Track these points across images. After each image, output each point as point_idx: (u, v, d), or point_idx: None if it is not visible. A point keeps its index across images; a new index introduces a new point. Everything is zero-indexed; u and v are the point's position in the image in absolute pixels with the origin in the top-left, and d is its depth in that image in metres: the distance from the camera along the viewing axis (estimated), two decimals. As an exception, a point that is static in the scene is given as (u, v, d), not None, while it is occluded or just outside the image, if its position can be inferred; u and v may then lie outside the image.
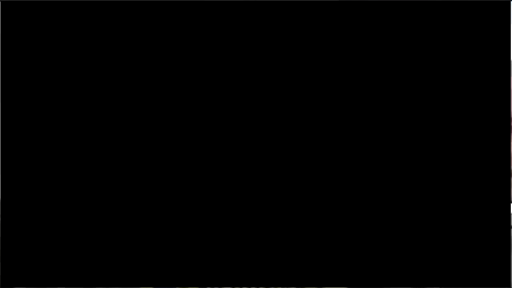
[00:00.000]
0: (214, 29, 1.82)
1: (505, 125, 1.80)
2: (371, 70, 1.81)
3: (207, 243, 1.83)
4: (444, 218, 1.81)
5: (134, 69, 1.81)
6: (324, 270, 1.82)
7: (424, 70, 1.80)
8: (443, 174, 1.80)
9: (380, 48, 1.81)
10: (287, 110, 1.81)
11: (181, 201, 1.82)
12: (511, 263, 1.81)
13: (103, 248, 1.82)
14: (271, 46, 1.82)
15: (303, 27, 1.81)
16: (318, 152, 1.81)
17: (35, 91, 1.80)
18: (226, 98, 1.82)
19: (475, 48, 1.80)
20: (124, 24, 1.81)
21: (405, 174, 1.81)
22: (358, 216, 1.82)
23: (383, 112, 1.81)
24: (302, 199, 1.82)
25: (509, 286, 1.81)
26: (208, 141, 1.81)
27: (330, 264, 1.82)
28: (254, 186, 1.82)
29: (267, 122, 1.81)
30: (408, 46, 1.80)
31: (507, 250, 1.80)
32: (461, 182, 1.80)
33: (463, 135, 1.80)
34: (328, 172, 1.81)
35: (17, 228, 1.81)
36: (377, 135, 1.81)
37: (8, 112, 1.81)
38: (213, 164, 1.82)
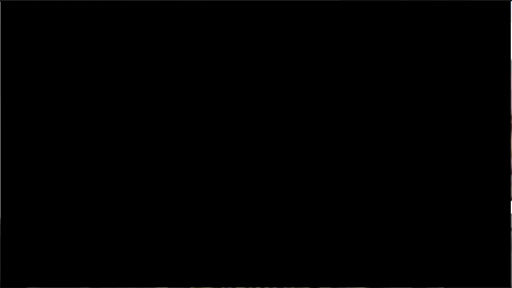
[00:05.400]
0: (214, 29, 1.82)
1: (505, 125, 1.80)
2: (371, 70, 1.81)
3: (207, 243, 1.83)
4: (444, 218, 1.81)
5: (134, 69, 1.81)
6: (323, 270, 1.82)
7: (424, 70, 1.80)
8: (443, 174, 1.80)
9: (380, 48, 1.81)
10: (287, 110, 1.81)
11: (181, 201, 1.82)
12: (511, 263, 1.81)
13: (103, 248, 1.82)
14: (271, 46, 1.82)
15: (303, 27, 1.81)
16: (318, 152, 1.81)
17: (35, 91, 1.80)
18: (226, 98, 1.82)
19: (475, 48, 1.80)
20: (124, 24, 1.81)
21: (405, 174, 1.81)
22: (358, 216, 1.82)
23: (383, 112, 1.81)
24: (302, 199, 1.82)
25: (509, 286, 1.81)
26: (208, 141, 1.81)
27: (329, 264, 1.82)
28: (254, 186, 1.82)
29: (267, 122, 1.81)
30: (408, 46, 1.80)
31: (507, 250, 1.80)
32: (461, 181, 1.80)
33: (463, 135, 1.80)
34: (328, 172, 1.81)
35: (17, 228, 1.81)
36: (377, 134, 1.81)
37: (8, 112, 1.80)
38: (213, 164, 1.82)
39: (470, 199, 1.80)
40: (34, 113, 1.80)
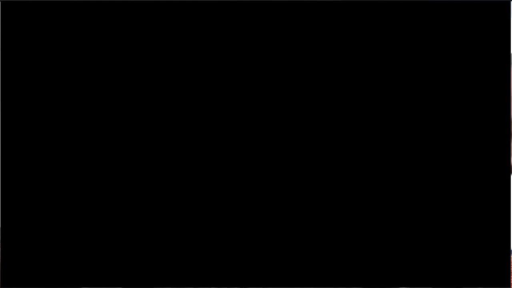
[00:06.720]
0: (214, 29, 1.82)
1: (505, 125, 1.80)
2: (371, 70, 1.81)
3: (207, 243, 1.83)
4: (444, 218, 1.81)
5: (134, 69, 1.81)
6: (324, 270, 1.82)
7: (424, 70, 1.80)
8: (443, 174, 1.80)
9: (380, 48, 1.81)
10: (286, 110, 1.81)
11: (181, 201, 1.82)
12: (511, 263, 1.81)
13: (103, 248, 1.83)
14: (271, 46, 1.82)
15: (303, 27, 1.81)
16: (318, 152, 1.81)
17: (35, 91, 1.80)
18: (226, 98, 1.82)
19: (475, 48, 1.80)
20: (124, 24, 1.81)
21: (405, 174, 1.81)
22: (358, 216, 1.82)
23: (383, 112, 1.81)
24: (302, 199, 1.82)
25: (509, 286, 1.81)
26: (208, 141, 1.81)
27: (330, 264, 1.82)
28: (254, 186, 1.82)
29: (267, 122, 1.81)
30: (408, 46, 1.81)
31: (507, 250, 1.80)
32: (461, 181, 1.80)
33: (463, 135, 1.80)
34: (328, 172, 1.81)
35: (17, 228, 1.81)
36: (377, 134, 1.81)
37: (8, 112, 1.81)
38: (213, 164, 1.82)
39: (470, 199, 1.80)
40: (34, 113, 1.80)
